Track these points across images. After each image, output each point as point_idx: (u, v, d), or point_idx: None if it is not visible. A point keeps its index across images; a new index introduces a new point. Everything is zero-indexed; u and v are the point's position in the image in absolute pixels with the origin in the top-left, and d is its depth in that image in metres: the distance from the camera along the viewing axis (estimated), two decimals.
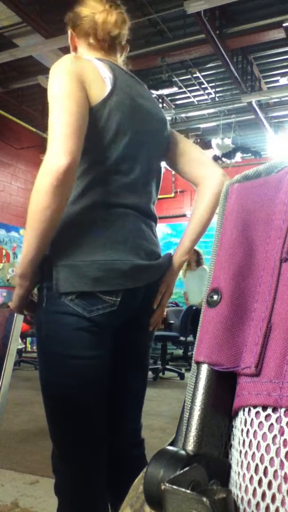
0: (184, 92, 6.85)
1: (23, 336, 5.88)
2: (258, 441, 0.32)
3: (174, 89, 5.80)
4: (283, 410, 0.32)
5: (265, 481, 0.31)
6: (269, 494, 0.30)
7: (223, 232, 0.41)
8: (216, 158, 6.69)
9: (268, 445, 0.31)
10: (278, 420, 0.32)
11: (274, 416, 0.32)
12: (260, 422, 0.33)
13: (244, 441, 0.33)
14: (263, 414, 0.33)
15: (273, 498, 0.30)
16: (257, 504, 0.31)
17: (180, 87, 6.52)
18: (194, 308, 5.43)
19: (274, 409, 0.32)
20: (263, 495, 0.31)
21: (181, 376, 5.24)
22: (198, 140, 7.96)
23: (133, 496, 0.42)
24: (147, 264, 1.07)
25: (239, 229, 0.40)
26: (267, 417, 0.32)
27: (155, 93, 5.59)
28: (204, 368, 0.37)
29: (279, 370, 0.33)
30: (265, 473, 0.31)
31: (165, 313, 1.22)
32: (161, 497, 0.29)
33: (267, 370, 0.33)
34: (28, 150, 7.99)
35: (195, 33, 5.06)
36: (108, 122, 1.06)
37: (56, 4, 4.45)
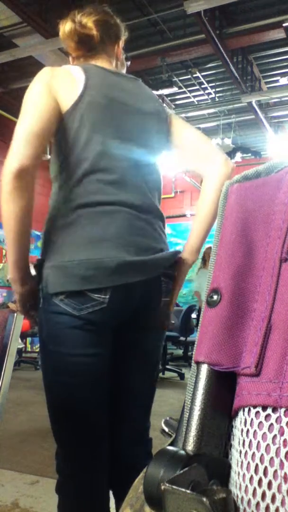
0: (184, 92, 6.84)
1: (23, 336, 5.88)
2: (258, 441, 0.32)
3: (174, 89, 5.79)
4: (283, 410, 0.32)
5: (265, 481, 0.31)
6: (269, 494, 0.30)
7: (223, 232, 0.41)
8: None
9: (268, 445, 0.31)
10: (278, 420, 0.32)
11: (274, 416, 0.32)
12: (260, 422, 0.33)
13: (244, 441, 0.33)
14: (263, 414, 0.33)
15: (273, 498, 0.30)
16: (257, 504, 0.31)
17: (180, 87, 6.51)
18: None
19: (274, 409, 0.32)
20: (263, 495, 0.31)
21: (181, 376, 5.25)
22: None
23: (133, 496, 0.42)
24: (138, 260, 1.05)
25: (239, 229, 0.40)
26: (267, 417, 0.32)
27: (155, 93, 5.58)
28: (204, 368, 0.37)
29: (279, 370, 0.33)
30: (265, 473, 0.31)
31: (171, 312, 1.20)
32: (161, 497, 0.29)
33: (267, 370, 0.33)
34: None
35: (195, 33, 5.05)
36: (81, 123, 1.08)
37: (56, 4, 4.45)
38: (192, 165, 1.23)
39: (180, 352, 6.81)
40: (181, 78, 6.44)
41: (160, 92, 5.66)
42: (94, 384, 1.07)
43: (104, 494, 1.11)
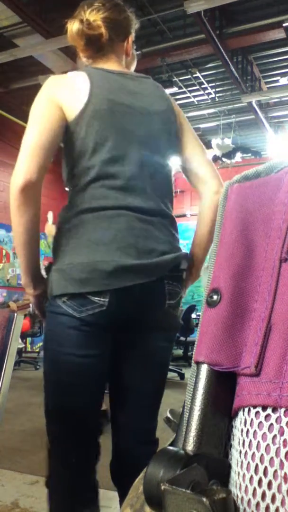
0: (184, 92, 6.84)
1: (23, 336, 5.87)
2: (258, 441, 0.32)
3: (174, 89, 5.80)
4: (282, 410, 0.32)
5: (265, 481, 0.31)
6: (269, 494, 0.30)
7: (223, 232, 0.41)
8: (216, 158, 6.68)
9: (268, 445, 0.31)
10: (278, 420, 0.32)
11: (274, 416, 0.32)
12: (260, 422, 0.33)
13: (244, 441, 0.33)
14: (263, 414, 0.33)
15: (273, 498, 0.30)
16: (257, 504, 0.31)
17: (180, 87, 6.51)
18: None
19: (274, 409, 0.32)
20: (263, 495, 0.31)
21: (181, 376, 5.25)
22: None
23: (133, 497, 0.42)
24: (136, 264, 1.05)
25: (239, 229, 0.40)
26: (267, 417, 0.32)
27: None
28: (204, 368, 0.37)
29: (279, 370, 0.33)
30: (265, 473, 0.31)
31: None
32: (161, 497, 0.29)
33: (267, 370, 0.33)
34: None
35: (195, 33, 5.05)
36: (87, 132, 1.09)
37: (56, 4, 4.45)
38: (190, 180, 1.27)
39: (180, 352, 6.81)
40: (181, 78, 6.43)
41: None
42: (89, 384, 1.09)
43: (84, 493, 1.13)
